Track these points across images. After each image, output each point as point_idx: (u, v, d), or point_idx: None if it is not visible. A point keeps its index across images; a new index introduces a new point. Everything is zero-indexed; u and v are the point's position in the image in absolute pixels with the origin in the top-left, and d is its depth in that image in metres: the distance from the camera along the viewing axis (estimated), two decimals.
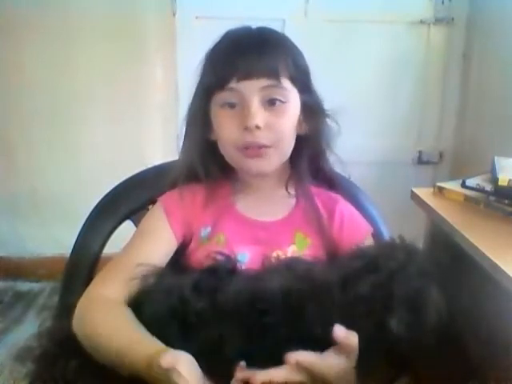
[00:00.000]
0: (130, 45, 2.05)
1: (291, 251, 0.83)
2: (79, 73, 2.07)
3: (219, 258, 0.75)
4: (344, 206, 0.89)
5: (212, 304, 0.64)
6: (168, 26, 2.00)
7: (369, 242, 0.86)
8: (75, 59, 2.05)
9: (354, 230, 0.86)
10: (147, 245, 0.81)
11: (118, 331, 0.67)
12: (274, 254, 0.81)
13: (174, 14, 1.99)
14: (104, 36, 2.03)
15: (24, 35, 2.02)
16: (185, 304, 0.65)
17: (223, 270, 0.71)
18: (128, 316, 0.69)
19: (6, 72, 2.07)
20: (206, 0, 1.98)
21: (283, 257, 0.81)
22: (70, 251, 0.98)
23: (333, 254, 0.84)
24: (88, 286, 0.77)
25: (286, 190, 0.87)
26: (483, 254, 0.85)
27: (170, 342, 0.63)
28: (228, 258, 0.75)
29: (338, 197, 0.90)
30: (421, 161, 2.14)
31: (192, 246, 0.83)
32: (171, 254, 0.82)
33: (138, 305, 0.70)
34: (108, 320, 0.70)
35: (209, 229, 0.84)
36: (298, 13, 1.98)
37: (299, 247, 0.83)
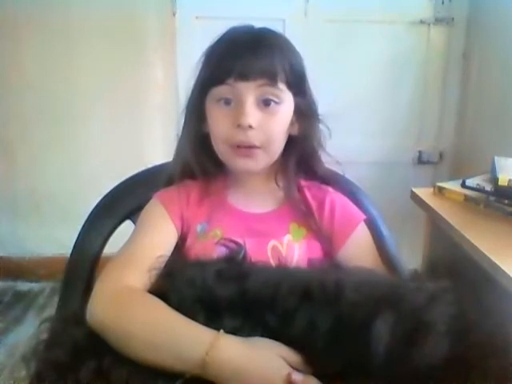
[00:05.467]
0: (130, 45, 2.05)
1: (287, 240, 0.84)
2: (79, 73, 2.06)
3: (231, 245, 0.77)
4: (334, 196, 0.90)
5: (238, 291, 0.65)
6: (168, 26, 2.00)
7: (362, 230, 0.87)
8: (75, 59, 2.05)
9: (346, 219, 0.87)
10: (153, 236, 0.81)
11: (161, 320, 0.66)
12: (270, 244, 0.83)
13: (174, 14, 1.99)
14: (104, 36, 2.03)
15: (24, 35, 2.02)
16: (210, 292, 0.65)
17: (242, 259, 0.73)
18: (163, 304, 0.67)
19: (6, 72, 2.07)
20: (206, 0, 1.98)
21: (280, 247, 0.83)
22: (70, 251, 0.98)
23: (327, 243, 0.86)
24: (89, 284, 0.77)
25: (276, 183, 0.88)
26: (483, 254, 0.86)
27: None
28: (239, 245, 0.77)
29: (329, 188, 0.91)
30: (421, 161, 2.14)
31: (189, 242, 0.84)
32: (174, 245, 0.83)
33: (160, 295, 0.69)
34: (149, 311, 0.68)
35: (205, 224, 0.85)
36: (298, 13, 1.98)
37: (294, 237, 0.85)
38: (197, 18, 1.97)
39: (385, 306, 0.60)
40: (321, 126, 0.89)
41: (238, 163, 0.83)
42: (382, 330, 0.58)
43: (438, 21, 2.02)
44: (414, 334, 0.58)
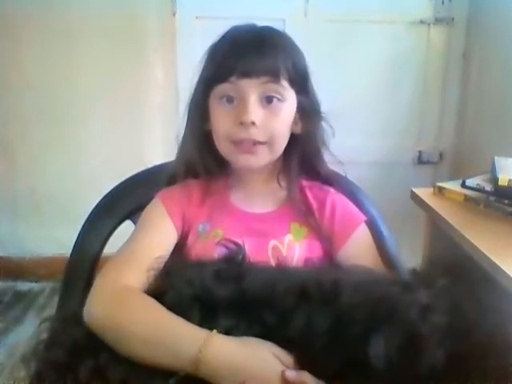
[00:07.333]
0: (130, 45, 2.05)
1: (288, 240, 0.85)
2: (79, 73, 2.06)
3: (231, 246, 0.77)
4: (335, 197, 0.90)
5: (236, 291, 0.65)
6: (168, 26, 2.00)
7: (363, 231, 0.87)
8: (75, 59, 2.05)
9: (346, 219, 0.87)
10: (153, 236, 0.82)
11: (160, 320, 0.66)
12: (271, 244, 0.83)
13: (174, 14, 1.99)
14: (104, 36, 2.03)
15: (24, 35, 2.02)
16: (208, 292, 0.66)
17: (241, 260, 0.73)
18: (160, 305, 0.68)
19: (6, 72, 2.07)
20: (206, 0, 1.98)
21: (280, 247, 0.83)
22: (70, 251, 0.98)
23: (328, 243, 0.86)
24: (89, 284, 0.77)
25: (278, 183, 0.88)
26: (483, 254, 0.86)
27: None
28: (239, 246, 0.77)
29: (330, 188, 0.91)
30: (421, 161, 2.14)
31: (190, 241, 0.85)
32: (173, 245, 0.84)
33: (159, 295, 0.69)
34: (147, 311, 0.68)
35: (206, 224, 0.85)
36: (298, 13, 1.98)
37: (295, 236, 0.85)
38: (197, 18, 1.97)
39: (379, 321, 0.59)
40: (324, 125, 0.89)
41: (240, 159, 0.83)
42: (379, 345, 0.58)
43: (438, 21, 2.02)
44: (409, 347, 0.58)
